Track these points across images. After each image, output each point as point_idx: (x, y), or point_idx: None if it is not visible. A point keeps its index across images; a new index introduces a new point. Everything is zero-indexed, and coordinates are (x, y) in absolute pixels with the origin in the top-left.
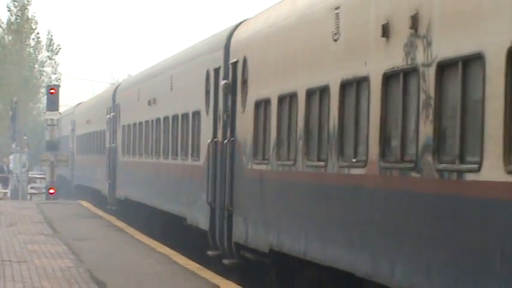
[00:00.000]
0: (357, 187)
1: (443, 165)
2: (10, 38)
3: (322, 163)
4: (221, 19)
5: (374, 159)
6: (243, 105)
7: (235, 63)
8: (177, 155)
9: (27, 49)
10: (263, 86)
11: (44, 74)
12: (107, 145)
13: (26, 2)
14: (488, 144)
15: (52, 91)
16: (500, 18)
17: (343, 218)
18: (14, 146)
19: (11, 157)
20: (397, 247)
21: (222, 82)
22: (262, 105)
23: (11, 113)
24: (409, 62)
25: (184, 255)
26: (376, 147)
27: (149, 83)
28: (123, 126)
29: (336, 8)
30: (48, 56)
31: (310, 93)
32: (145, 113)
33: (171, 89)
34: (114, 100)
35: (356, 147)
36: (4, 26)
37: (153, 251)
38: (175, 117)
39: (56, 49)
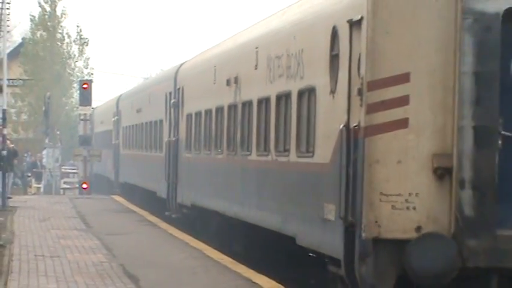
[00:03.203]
0: (219, 164)
1: (243, 152)
2: (41, 33)
3: (209, 152)
4: (252, 12)
5: (225, 150)
6: (181, 116)
7: (179, 89)
8: (151, 148)
9: (58, 44)
10: (189, 105)
11: (76, 68)
12: (113, 141)
13: None
14: (254, 142)
15: (85, 86)
16: (255, 86)
17: (214, 180)
18: (47, 141)
19: (44, 152)
20: (230, 193)
21: (172, 101)
22: (189, 117)
23: (44, 108)
24: (235, 101)
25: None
26: (225, 144)
27: (137, 96)
28: (123, 127)
29: (214, 66)
30: (78, 49)
31: (206, 113)
32: (136, 118)
33: (149, 102)
34: (117, 106)
35: (220, 144)
36: (35, 21)
37: (186, 245)
38: (150, 122)
39: (84, 43)
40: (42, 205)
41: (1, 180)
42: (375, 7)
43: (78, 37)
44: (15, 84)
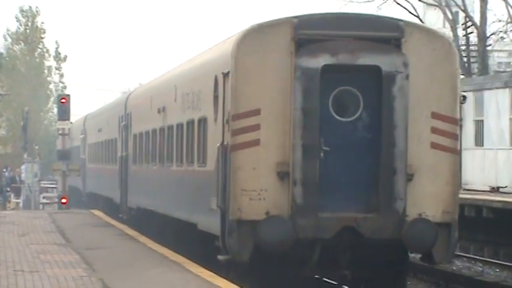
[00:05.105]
0: (154, 174)
1: (168, 164)
2: (19, 48)
3: (147, 164)
4: (228, 24)
5: (157, 163)
6: (130, 136)
7: (128, 114)
8: (108, 162)
9: (36, 59)
10: (135, 127)
11: (52, 83)
12: (81, 156)
13: (35, 13)
14: (174, 156)
15: (63, 101)
16: (175, 114)
17: (151, 186)
18: (25, 156)
19: (22, 167)
20: (161, 196)
21: (122, 123)
22: (135, 137)
23: (22, 123)
24: (163, 125)
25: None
26: (157, 158)
27: (99, 117)
28: (88, 144)
29: (151, 97)
30: (56, 66)
31: (146, 133)
32: (98, 136)
33: (107, 123)
34: (84, 125)
35: (154, 158)
36: (13, 36)
37: (165, 259)
38: (108, 140)
39: (62, 58)
40: (21, 220)
41: None
42: (236, 64)
43: (56, 53)
44: None
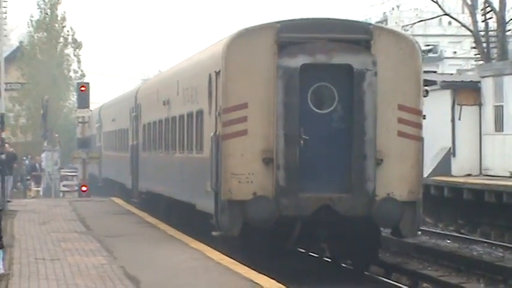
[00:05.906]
0: (160, 160)
1: (172, 151)
2: (40, 36)
3: (155, 151)
4: (245, 11)
5: (164, 149)
6: (140, 126)
7: (138, 105)
8: (121, 150)
9: (57, 47)
10: (144, 118)
11: (72, 71)
12: (97, 144)
13: (56, 1)
14: (177, 144)
15: (82, 88)
16: (177, 106)
17: (158, 172)
18: (45, 144)
19: (43, 155)
20: (166, 180)
21: (133, 114)
22: (144, 127)
23: (42, 111)
24: (169, 115)
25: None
26: (163, 146)
27: (113, 108)
28: (103, 132)
29: (157, 90)
30: (75, 54)
31: (154, 123)
32: (112, 126)
33: (120, 114)
34: (99, 115)
35: (160, 146)
36: (35, 24)
37: (186, 246)
38: (121, 130)
39: (79, 45)
40: (42, 208)
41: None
42: (226, 64)
43: (72, 40)
44: (13, 88)
